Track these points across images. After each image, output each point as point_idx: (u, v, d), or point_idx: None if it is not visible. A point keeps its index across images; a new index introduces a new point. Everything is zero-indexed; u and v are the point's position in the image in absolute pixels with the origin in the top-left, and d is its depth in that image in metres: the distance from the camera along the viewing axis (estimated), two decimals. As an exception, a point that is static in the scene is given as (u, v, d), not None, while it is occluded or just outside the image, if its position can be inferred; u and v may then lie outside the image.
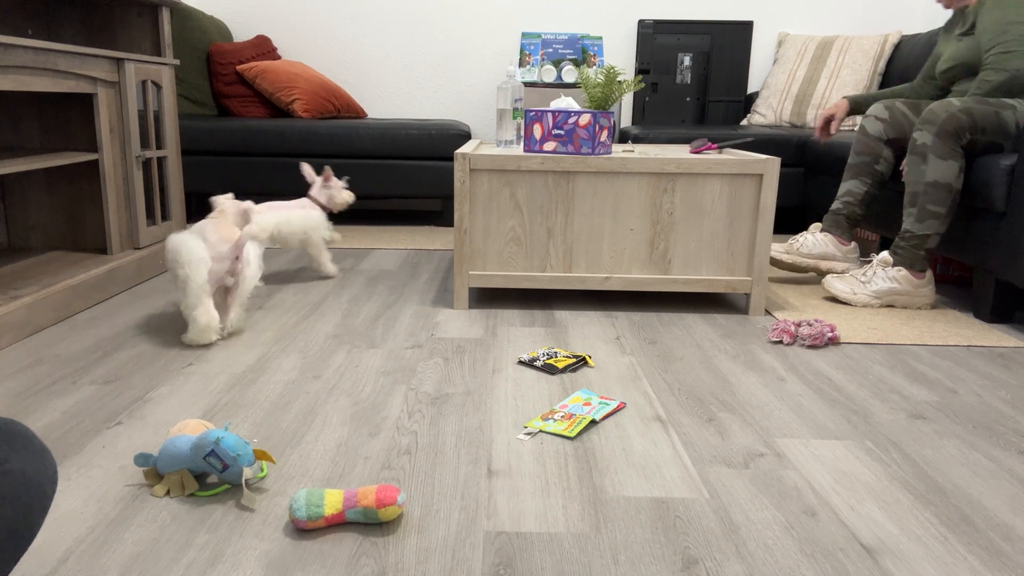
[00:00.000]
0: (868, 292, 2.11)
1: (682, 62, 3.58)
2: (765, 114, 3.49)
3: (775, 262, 2.44)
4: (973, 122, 1.98)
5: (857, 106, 2.49)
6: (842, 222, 2.42)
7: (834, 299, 2.18)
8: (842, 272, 2.40)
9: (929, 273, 2.11)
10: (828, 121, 2.48)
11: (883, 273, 2.11)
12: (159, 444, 1.21)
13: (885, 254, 2.12)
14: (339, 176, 3.16)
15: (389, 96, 3.83)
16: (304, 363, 1.58)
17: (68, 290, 1.85)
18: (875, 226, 2.50)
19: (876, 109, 2.35)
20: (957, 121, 1.98)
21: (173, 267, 1.60)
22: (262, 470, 1.10)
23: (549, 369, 1.57)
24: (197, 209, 3.62)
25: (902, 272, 2.09)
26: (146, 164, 2.28)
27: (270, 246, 2.30)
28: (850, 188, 2.39)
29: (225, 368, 1.55)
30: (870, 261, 2.19)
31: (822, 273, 2.43)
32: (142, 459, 1.07)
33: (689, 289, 2.01)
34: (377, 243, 2.89)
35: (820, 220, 3.16)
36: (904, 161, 2.14)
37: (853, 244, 2.43)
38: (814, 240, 2.44)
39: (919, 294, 2.11)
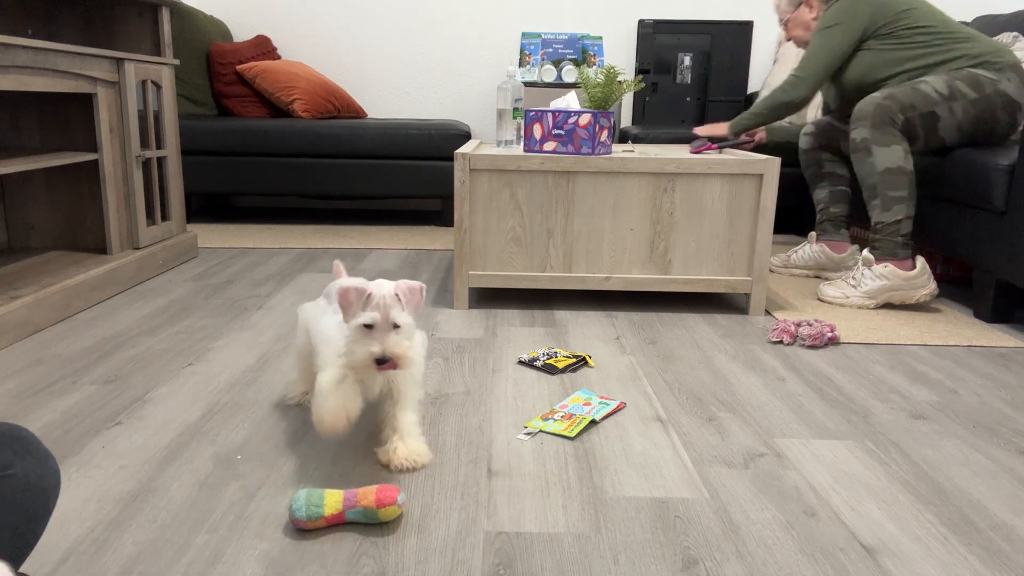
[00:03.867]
0: (860, 294, 2.11)
1: (682, 62, 3.58)
2: (765, 114, 3.48)
3: (772, 273, 2.50)
4: (900, 103, 2.06)
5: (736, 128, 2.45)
6: (827, 227, 2.48)
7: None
8: (834, 278, 2.42)
9: (921, 262, 2.07)
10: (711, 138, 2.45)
11: (870, 272, 2.10)
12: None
13: (866, 253, 2.12)
14: (338, 175, 3.16)
15: (389, 96, 3.83)
16: (304, 363, 1.58)
17: (68, 290, 1.85)
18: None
19: (807, 128, 2.54)
20: (885, 108, 2.06)
21: None
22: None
23: (549, 369, 1.57)
24: (197, 209, 3.62)
25: (888, 267, 2.08)
26: (146, 164, 2.28)
27: None
28: (817, 196, 2.54)
29: (225, 368, 1.55)
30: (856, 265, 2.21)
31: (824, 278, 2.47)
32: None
33: (689, 289, 2.01)
34: (377, 243, 2.89)
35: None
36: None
37: (850, 249, 2.45)
38: (809, 252, 2.49)
39: (915, 285, 2.07)
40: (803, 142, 2.53)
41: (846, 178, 2.45)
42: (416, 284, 1.10)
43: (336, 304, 1.14)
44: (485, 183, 1.95)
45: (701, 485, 1.12)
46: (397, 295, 1.07)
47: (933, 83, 2.08)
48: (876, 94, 2.09)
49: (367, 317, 1.05)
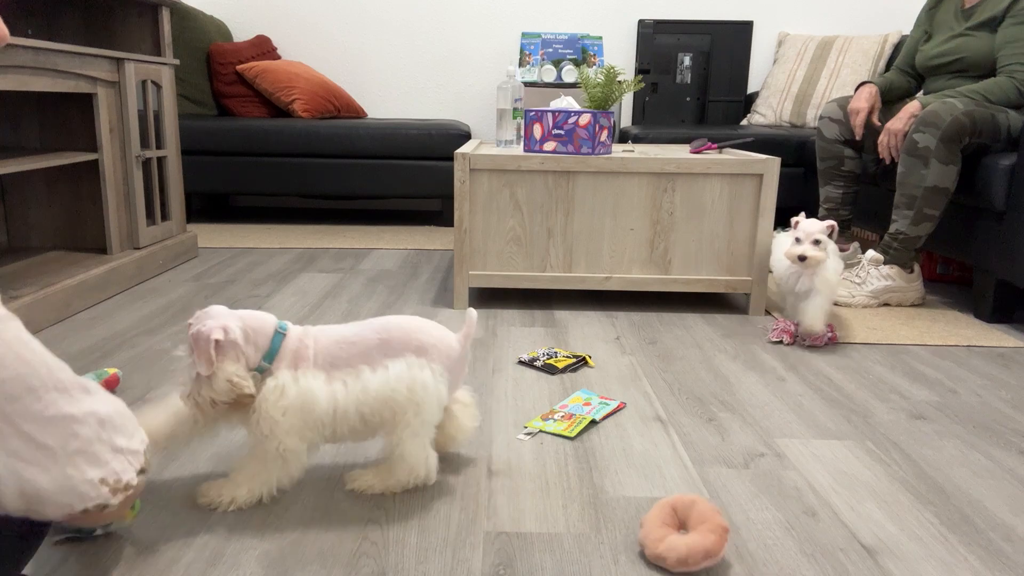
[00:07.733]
0: (865, 293, 2.11)
1: (682, 62, 3.58)
2: (765, 114, 3.49)
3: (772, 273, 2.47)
4: (974, 125, 1.94)
5: (886, 90, 2.30)
6: None
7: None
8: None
9: (917, 267, 2.14)
10: (867, 116, 2.24)
11: (876, 272, 2.12)
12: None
13: (874, 253, 2.13)
14: (338, 175, 3.16)
15: (389, 96, 3.83)
16: (304, 363, 1.58)
17: (68, 290, 1.85)
18: (873, 225, 2.50)
19: (829, 110, 2.36)
20: (960, 125, 1.93)
21: None
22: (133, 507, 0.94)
23: (549, 369, 1.57)
24: (197, 209, 3.62)
25: (894, 268, 2.11)
26: (146, 164, 2.28)
27: None
28: (828, 194, 2.43)
29: (225, 368, 1.54)
30: (858, 262, 2.20)
31: None
32: None
33: (689, 289, 2.01)
34: (377, 243, 2.89)
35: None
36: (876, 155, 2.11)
37: (852, 246, 2.45)
38: None
39: (911, 288, 2.13)
40: (827, 130, 2.35)
41: (859, 177, 2.38)
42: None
43: None
44: (485, 183, 1.95)
45: (701, 485, 1.12)
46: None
47: (1012, 120, 1.98)
48: (958, 104, 1.94)
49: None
